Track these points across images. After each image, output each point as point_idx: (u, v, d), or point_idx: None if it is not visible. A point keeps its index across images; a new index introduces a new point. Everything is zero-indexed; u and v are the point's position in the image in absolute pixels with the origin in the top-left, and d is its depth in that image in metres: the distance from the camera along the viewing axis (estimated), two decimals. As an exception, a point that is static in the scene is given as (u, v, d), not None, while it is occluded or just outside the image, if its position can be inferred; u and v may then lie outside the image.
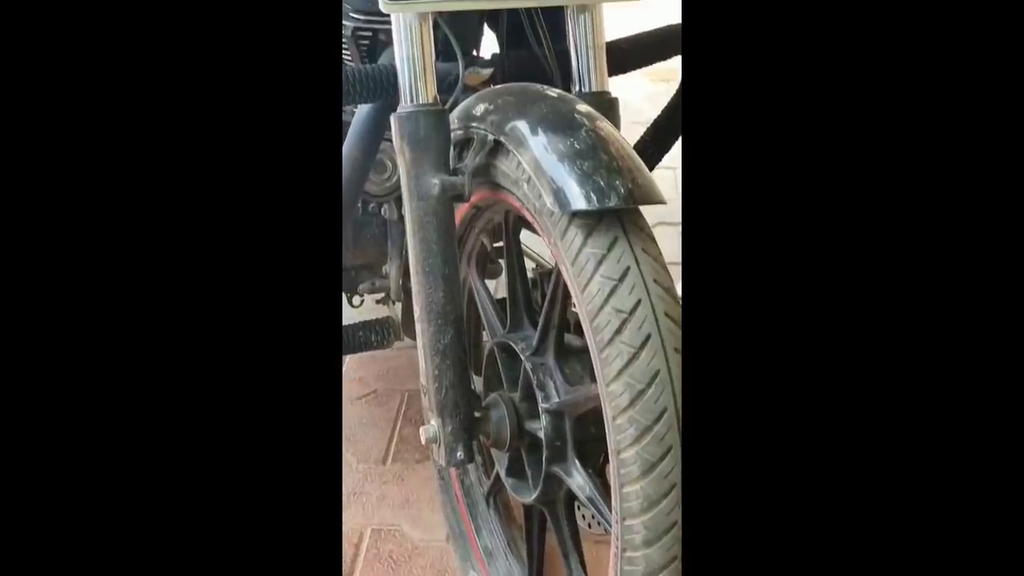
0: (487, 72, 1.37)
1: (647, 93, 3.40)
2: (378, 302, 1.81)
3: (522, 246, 1.33)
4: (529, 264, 1.46)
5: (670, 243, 1.55)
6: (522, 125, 1.09)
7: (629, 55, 1.45)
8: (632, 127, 1.61)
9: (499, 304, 1.34)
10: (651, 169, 1.33)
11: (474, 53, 1.42)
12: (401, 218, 1.58)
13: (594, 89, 1.22)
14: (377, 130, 1.41)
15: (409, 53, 1.15)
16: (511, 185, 1.11)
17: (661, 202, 1.00)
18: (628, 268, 0.98)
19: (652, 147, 1.52)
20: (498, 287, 1.55)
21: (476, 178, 1.14)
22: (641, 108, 3.68)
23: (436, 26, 1.25)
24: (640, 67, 1.49)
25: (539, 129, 1.07)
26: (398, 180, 1.40)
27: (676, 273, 0.94)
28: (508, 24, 1.41)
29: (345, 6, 1.48)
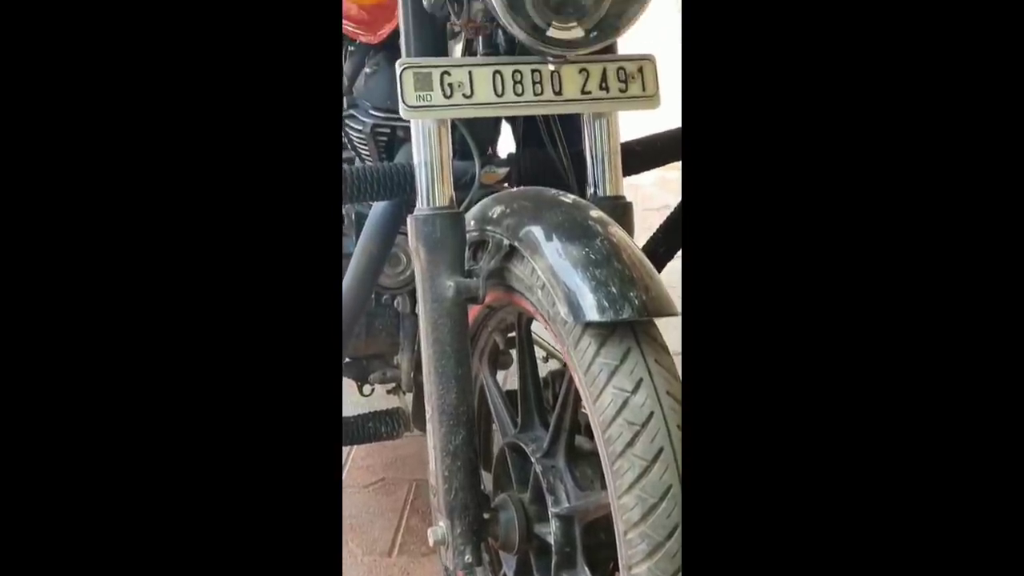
0: (503, 171, 1.39)
1: (658, 179, 3.44)
2: (389, 392, 1.81)
3: (533, 336, 1.34)
4: (539, 352, 1.47)
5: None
6: (537, 231, 1.10)
7: (643, 156, 1.47)
8: (645, 213, 1.63)
9: (510, 400, 1.34)
10: (660, 270, 1.34)
11: (490, 151, 1.44)
12: (414, 310, 1.59)
13: (609, 194, 1.24)
14: (393, 226, 1.42)
15: (427, 158, 1.17)
16: (525, 290, 1.12)
17: (674, 314, 1.00)
18: (641, 380, 0.98)
19: (663, 246, 1.53)
20: (508, 377, 1.55)
21: (490, 280, 1.15)
22: (653, 194, 3.72)
23: (453, 127, 1.27)
24: (654, 168, 1.51)
25: (554, 236, 1.08)
26: (412, 274, 1.41)
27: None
28: (524, 123, 1.43)
29: (364, 103, 1.51)
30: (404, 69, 1.13)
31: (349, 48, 1.59)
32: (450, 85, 1.14)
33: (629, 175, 1.37)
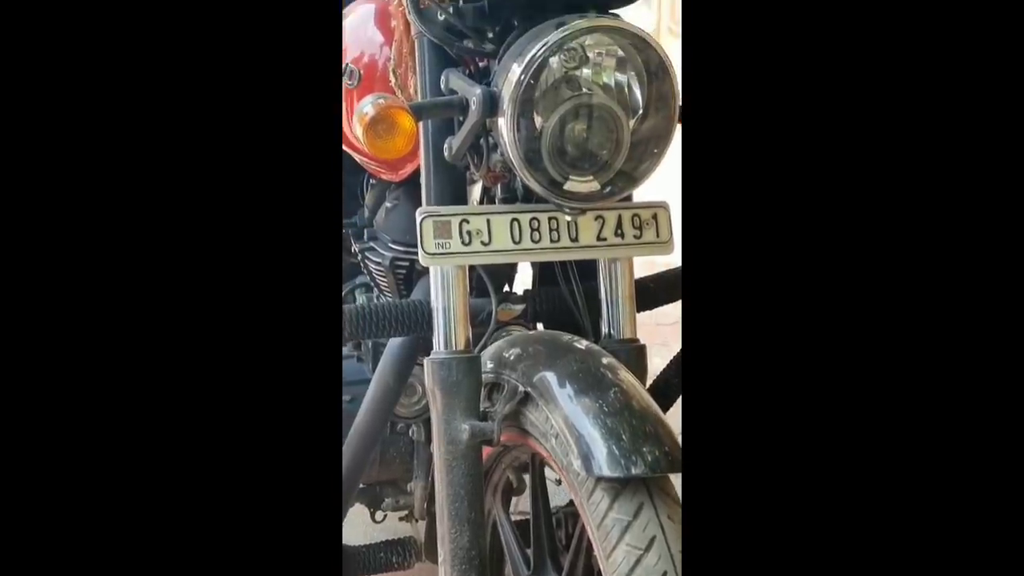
0: (519, 308, 1.41)
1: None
2: (401, 519, 1.80)
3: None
4: (551, 474, 1.47)
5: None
6: (551, 377, 1.11)
7: (656, 293, 1.49)
8: (657, 328, 1.62)
9: (522, 536, 1.34)
10: (666, 410, 1.35)
11: (507, 288, 1.46)
12: (428, 439, 1.60)
13: (624, 336, 1.25)
14: (409, 360, 1.44)
15: (445, 303, 1.19)
16: (540, 436, 1.13)
17: (688, 472, 1.01)
18: (654, 537, 0.98)
19: (670, 383, 1.53)
20: (520, 502, 1.55)
21: (505, 422, 1.16)
22: (667, 310, 3.71)
23: (471, 266, 1.30)
24: (667, 304, 1.52)
25: (568, 384, 1.09)
26: (426, 404, 1.42)
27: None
28: (540, 263, 1.45)
29: (384, 236, 1.54)
30: (424, 218, 1.16)
31: (370, 182, 1.63)
32: (468, 232, 1.17)
33: (643, 311, 1.40)
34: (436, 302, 1.19)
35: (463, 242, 1.17)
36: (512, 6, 1.16)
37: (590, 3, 1.17)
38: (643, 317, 1.32)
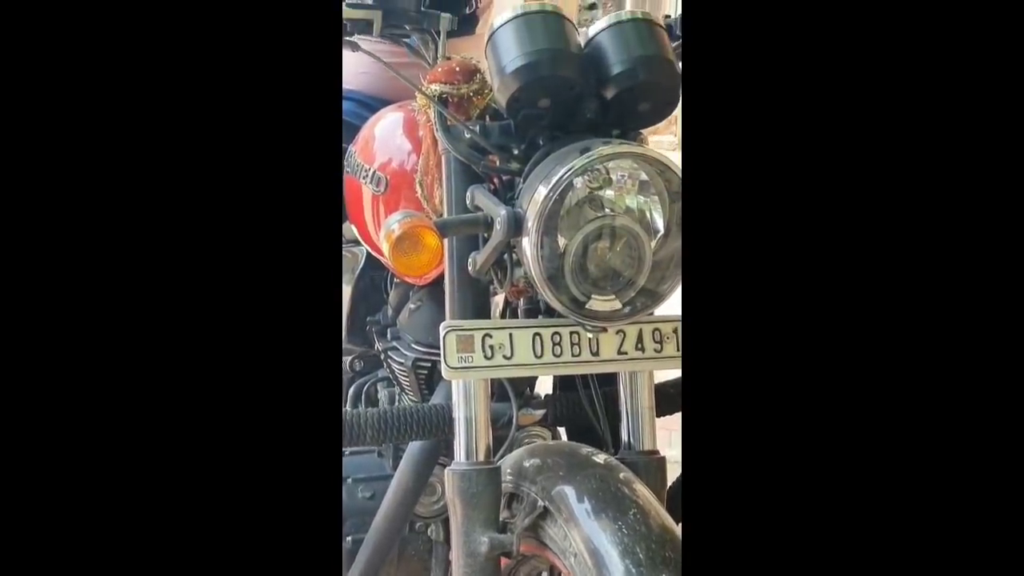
0: (539, 413, 1.42)
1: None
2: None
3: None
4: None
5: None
6: (571, 493, 1.12)
7: (676, 399, 1.50)
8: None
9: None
10: None
11: (527, 392, 1.48)
12: (447, 538, 1.60)
13: (644, 448, 1.26)
14: (429, 462, 1.45)
15: (467, 414, 1.20)
16: (559, 551, 1.14)
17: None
18: (672, 666, 0.99)
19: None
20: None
21: (524, 532, 1.17)
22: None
23: None
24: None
25: (587, 502, 1.10)
26: (445, 504, 1.43)
27: None
28: None
29: (407, 336, 1.56)
30: (448, 332, 1.18)
31: (394, 280, 1.65)
32: (491, 347, 1.19)
33: (663, 416, 1.41)
34: (458, 412, 1.21)
35: (486, 356, 1.18)
36: (537, 125, 1.19)
37: (613, 124, 1.21)
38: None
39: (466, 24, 1.80)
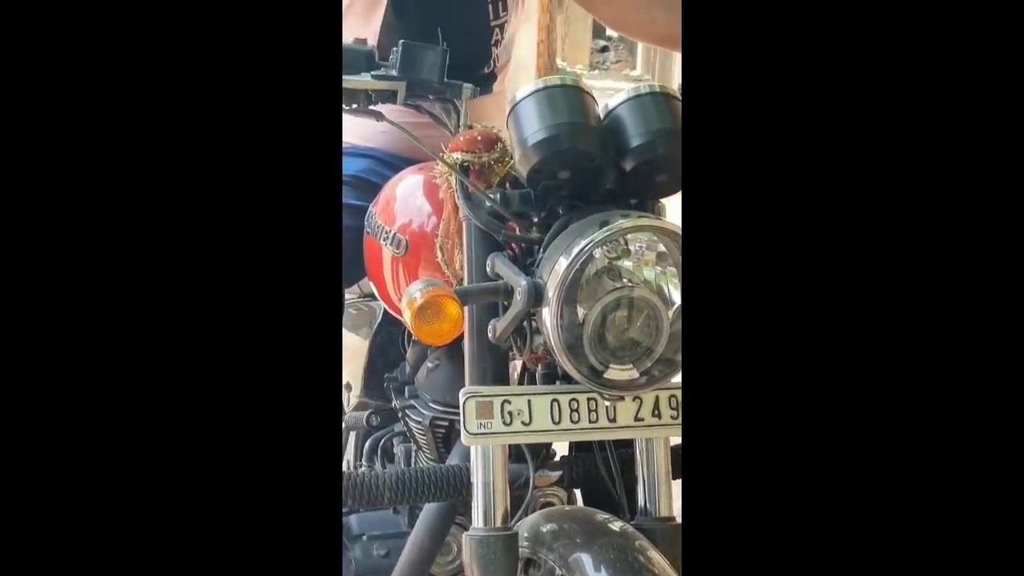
0: (555, 475, 1.43)
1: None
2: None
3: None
4: None
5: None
6: (588, 562, 1.14)
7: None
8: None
9: None
10: None
11: (544, 453, 1.49)
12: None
13: (660, 515, 1.27)
14: (446, 521, 1.46)
15: (486, 479, 1.22)
16: (575, 619, 1.15)
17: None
18: None
19: None
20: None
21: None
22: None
23: None
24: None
25: (604, 571, 1.12)
26: (461, 563, 1.43)
27: None
28: None
29: (425, 395, 1.58)
30: (467, 398, 1.20)
31: (412, 338, 1.67)
32: (510, 413, 1.20)
33: (678, 477, 1.42)
34: (476, 477, 1.22)
35: (504, 422, 1.20)
36: (557, 195, 1.21)
37: (631, 194, 1.23)
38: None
39: (485, 83, 1.83)
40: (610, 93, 1.32)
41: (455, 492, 1.36)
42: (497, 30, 1.82)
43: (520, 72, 2.87)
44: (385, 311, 1.72)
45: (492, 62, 1.86)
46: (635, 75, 10.22)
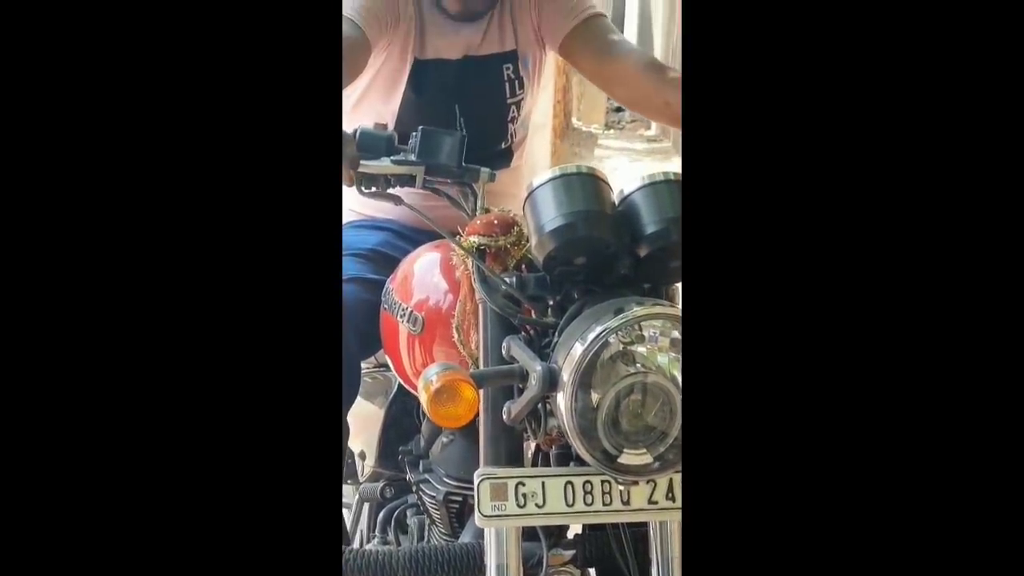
0: (569, 554, 1.43)
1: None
2: None
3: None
4: None
5: None
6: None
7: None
8: None
9: None
10: None
11: (558, 531, 1.49)
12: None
13: (674, 599, 1.27)
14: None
15: (499, 560, 1.23)
16: None
17: None
18: None
19: None
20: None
21: None
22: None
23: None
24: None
25: None
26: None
27: None
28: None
29: (439, 470, 1.58)
30: (482, 480, 1.21)
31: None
32: (524, 495, 1.21)
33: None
34: (490, 559, 1.23)
35: (518, 504, 1.21)
36: (572, 280, 1.23)
37: (645, 279, 1.25)
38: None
39: (502, 158, 1.87)
40: (626, 152, 1.35)
41: (468, 572, 1.36)
42: (514, 107, 1.86)
43: (536, 133, 2.89)
44: (400, 383, 1.73)
45: (509, 137, 1.89)
46: (650, 135, 10.30)
